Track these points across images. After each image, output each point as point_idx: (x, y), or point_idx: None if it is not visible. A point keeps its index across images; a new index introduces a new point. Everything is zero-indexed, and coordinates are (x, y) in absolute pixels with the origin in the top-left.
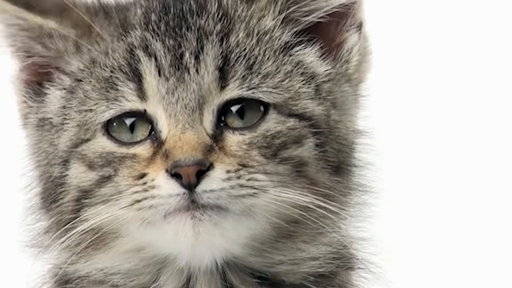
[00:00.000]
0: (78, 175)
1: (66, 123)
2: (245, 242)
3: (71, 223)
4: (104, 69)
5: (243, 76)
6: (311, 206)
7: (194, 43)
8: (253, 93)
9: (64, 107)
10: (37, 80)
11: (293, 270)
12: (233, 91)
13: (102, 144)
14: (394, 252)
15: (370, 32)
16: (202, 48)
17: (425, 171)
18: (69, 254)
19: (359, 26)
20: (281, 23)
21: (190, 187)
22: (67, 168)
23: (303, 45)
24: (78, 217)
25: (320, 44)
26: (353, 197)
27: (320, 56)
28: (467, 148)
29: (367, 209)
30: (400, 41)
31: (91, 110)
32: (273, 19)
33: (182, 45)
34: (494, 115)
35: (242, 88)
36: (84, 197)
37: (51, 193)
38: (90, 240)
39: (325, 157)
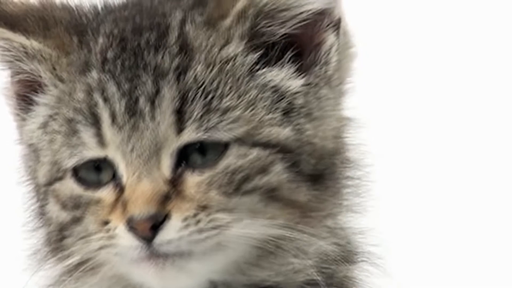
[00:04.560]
0: (55, 212)
1: (42, 154)
2: (223, 268)
3: (57, 249)
4: (68, 110)
5: (201, 117)
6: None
7: (149, 86)
8: (210, 135)
9: (41, 133)
10: (27, 91)
11: (288, 280)
12: (190, 134)
13: (70, 186)
14: (388, 252)
15: (364, 29)
16: (158, 90)
17: (421, 170)
18: (58, 276)
19: (337, 24)
20: (248, 41)
21: (147, 240)
22: (47, 202)
23: (272, 62)
24: (62, 246)
25: (296, 54)
26: (342, 199)
27: (295, 68)
28: (462, 144)
29: (359, 209)
30: (392, 38)
31: (58, 151)
32: (239, 40)
33: (138, 88)
34: (490, 113)
35: (200, 131)
36: (65, 229)
37: (39, 218)
38: (77, 268)
39: (300, 174)
